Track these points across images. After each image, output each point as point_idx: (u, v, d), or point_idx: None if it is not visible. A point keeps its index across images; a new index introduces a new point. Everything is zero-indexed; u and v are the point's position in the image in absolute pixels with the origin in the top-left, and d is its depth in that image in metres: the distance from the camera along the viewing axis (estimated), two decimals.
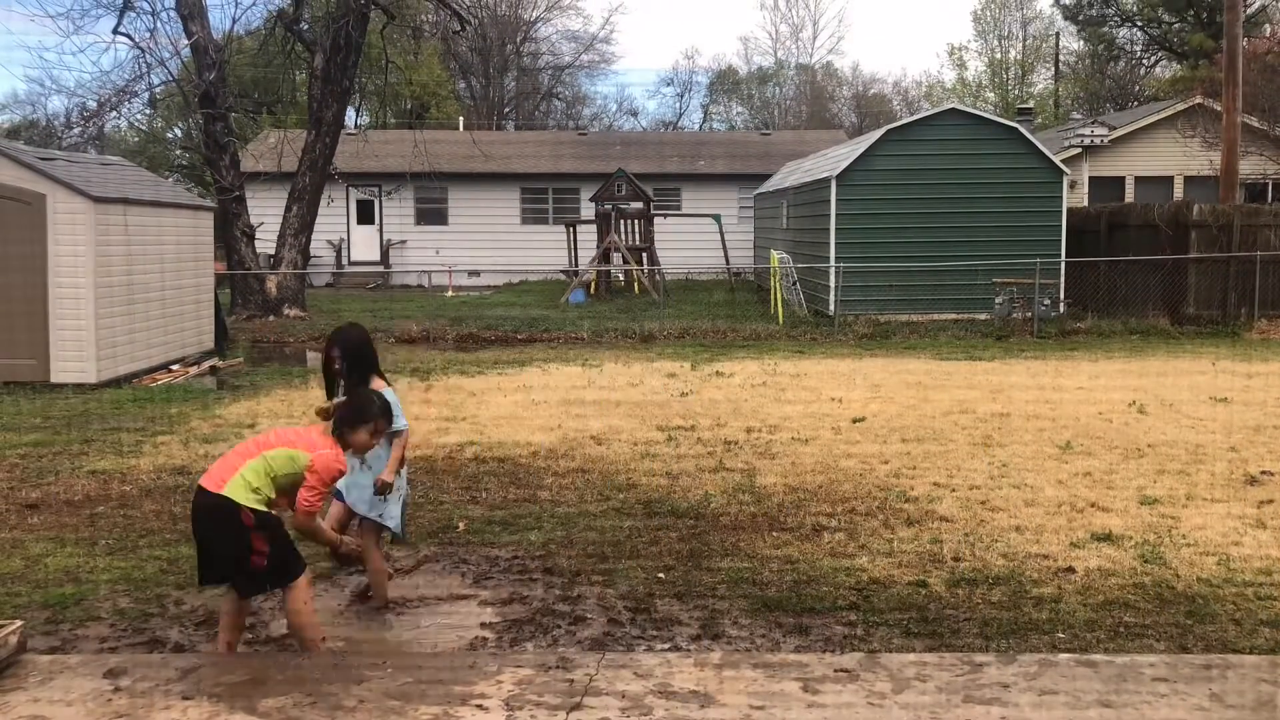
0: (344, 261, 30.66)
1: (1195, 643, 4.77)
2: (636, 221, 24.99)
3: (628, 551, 6.10)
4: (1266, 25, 37.33)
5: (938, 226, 18.21)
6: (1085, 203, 25.63)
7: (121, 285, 12.81)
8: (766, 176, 28.88)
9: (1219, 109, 22.18)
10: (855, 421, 9.79)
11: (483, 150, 29.71)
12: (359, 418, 4.76)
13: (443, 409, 10.69)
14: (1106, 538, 6.25)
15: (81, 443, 9.18)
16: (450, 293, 26.28)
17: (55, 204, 12.12)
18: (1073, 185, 22.69)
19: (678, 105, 64.35)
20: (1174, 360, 14.04)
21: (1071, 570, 5.72)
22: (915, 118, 20.42)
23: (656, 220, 26.34)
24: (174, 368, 13.96)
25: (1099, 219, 20.19)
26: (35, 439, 9.35)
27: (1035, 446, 8.70)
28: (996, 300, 17.74)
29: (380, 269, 30.26)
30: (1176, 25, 44.20)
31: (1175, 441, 8.82)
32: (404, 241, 31.18)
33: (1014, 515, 6.75)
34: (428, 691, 4.27)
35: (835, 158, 20.81)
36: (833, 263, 18.18)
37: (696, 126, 59.05)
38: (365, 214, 31.41)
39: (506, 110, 55.04)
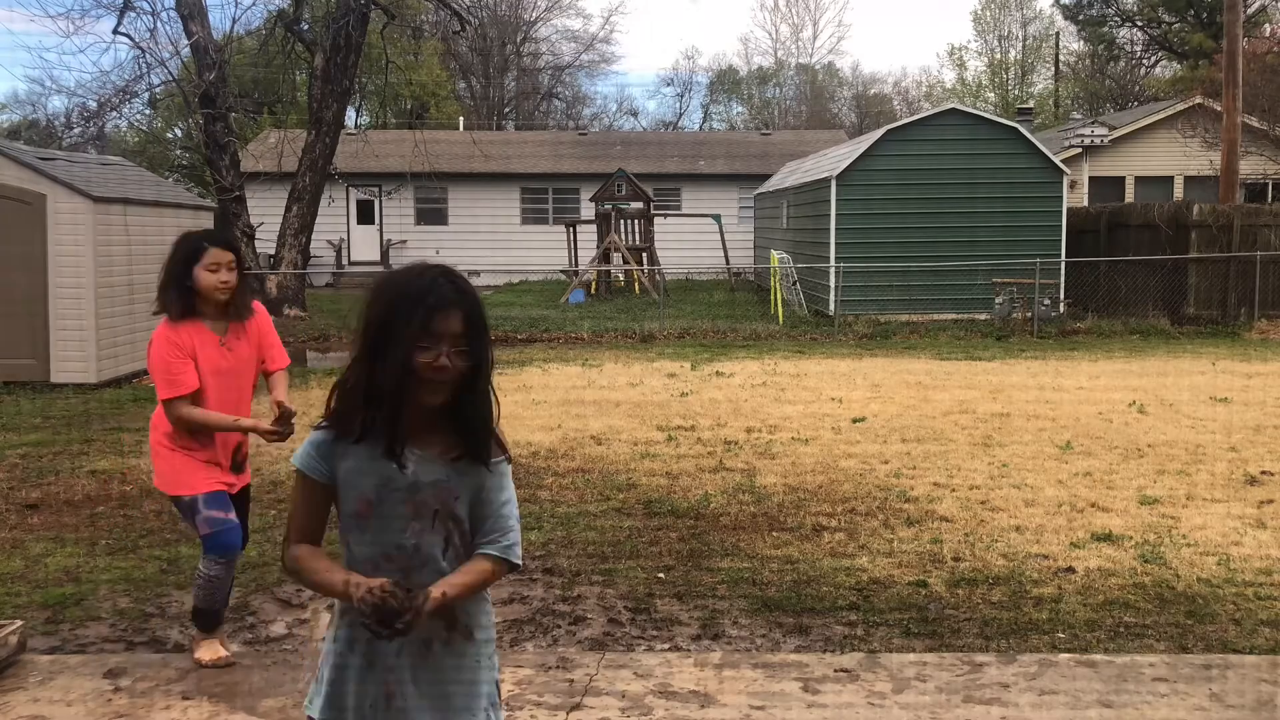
0: (344, 261, 30.67)
1: (1195, 643, 4.77)
2: (636, 221, 24.99)
3: (628, 551, 6.10)
4: (1266, 25, 37.32)
5: (938, 226, 18.21)
6: (1085, 203, 25.63)
7: (122, 285, 12.80)
8: (766, 176, 28.88)
9: (1219, 109, 22.18)
10: (855, 421, 9.79)
11: (483, 150, 29.71)
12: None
13: None
14: (1106, 538, 6.24)
15: (81, 443, 9.18)
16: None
17: (55, 204, 12.11)
18: (1073, 185, 22.69)
19: (678, 105, 64.38)
20: (1174, 360, 14.03)
21: (1071, 570, 5.72)
22: (915, 118, 20.43)
23: (656, 220, 26.34)
24: None
25: (1099, 219, 20.20)
26: (35, 439, 9.35)
27: (1035, 446, 8.69)
28: (996, 300, 17.74)
29: (381, 269, 30.26)
30: (1176, 25, 44.20)
31: (1175, 441, 8.82)
32: (404, 241, 31.18)
33: (1014, 515, 6.75)
34: None
35: (835, 158, 20.81)
36: (833, 263, 18.18)
37: (696, 126, 59.04)
38: (365, 214, 31.42)
39: (506, 110, 55.03)
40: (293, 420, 4.37)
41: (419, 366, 2.21)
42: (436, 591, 2.22)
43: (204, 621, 4.54)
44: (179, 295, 4.34)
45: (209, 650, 4.54)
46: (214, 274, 4.33)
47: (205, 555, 4.47)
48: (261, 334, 4.58)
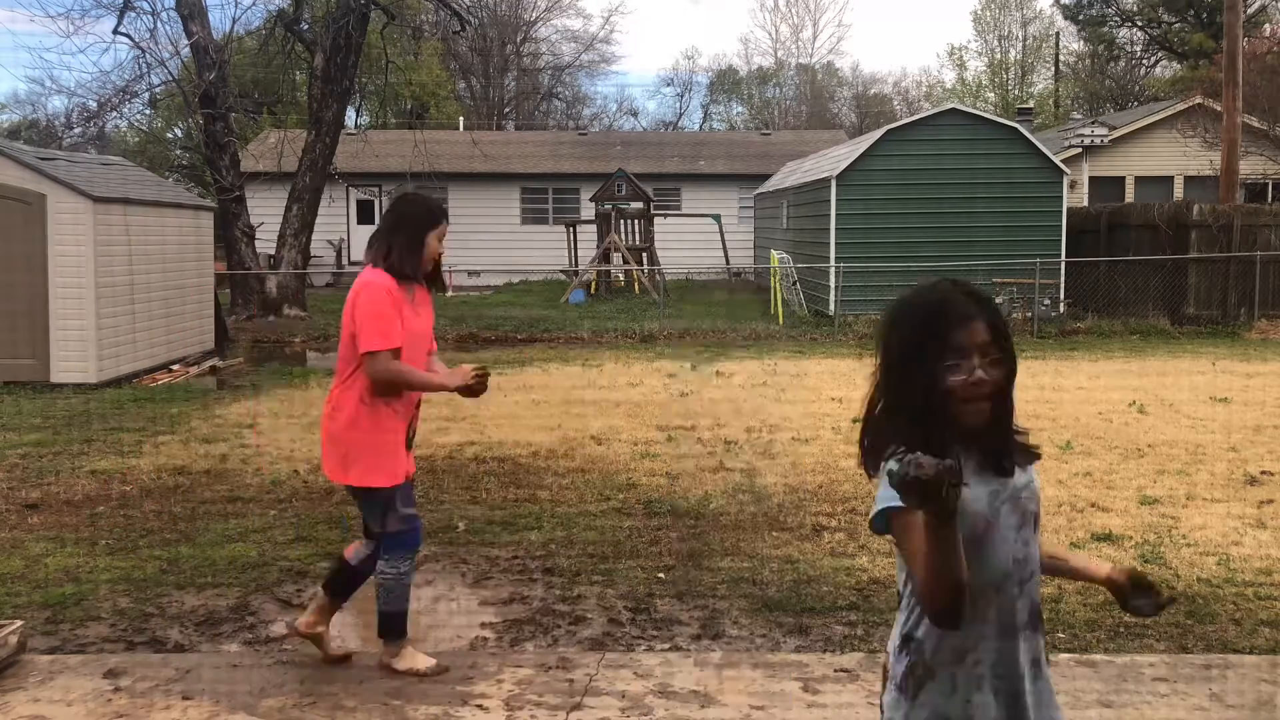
0: (344, 261, 30.65)
1: (1195, 643, 4.77)
2: (636, 221, 24.99)
3: (628, 551, 6.10)
4: (1266, 25, 37.31)
5: (937, 226, 18.20)
6: (1085, 203, 25.62)
7: (122, 285, 12.80)
8: (766, 176, 28.87)
9: (1219, 109, 22.17)
10: (855, 421, 9.77)
11: (483, 150, 29.70)
12: None
13: (443, 408, 10.68)
14: (1106, 538, 6.24)
15: (82, 443, 9.18)
16: (450, 293, 26.27)
17: (56, 204, 12.12)
18: (1073, 185, 22.69)
19: (678, 105, 64.38)
20: (1174, 360, 14.03)
21: None
22: (915, 118, 20.42)
23: (656, 220, 26.34)
24: (174, 368, 13.96)
25: (1099, 219, 20.19)
26: (35, 439, 9.35)
27: None
28: (996, 300, 17.71)
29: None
30: (1176, 25, 44.19)
31: (1175, 441, 8.82)
32: None
33: None
34: (428, 691, 4.27)
35: (835, 158, 20.80)
36: (833, 263, 18.18)
37: (696, 126, 59.04)
38: (365, 214, 31.41)
39: (506, 110, 55.02)
40: (487, 378, 4.34)
41: (954, 387, 2.08)
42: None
43: (397, 626, 4.45)
44: (413, 256, 4.31)
45: (419, 658, 4.45)
46: (439, 244, 4.40)
47: (391, 555, 4.36)
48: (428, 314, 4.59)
